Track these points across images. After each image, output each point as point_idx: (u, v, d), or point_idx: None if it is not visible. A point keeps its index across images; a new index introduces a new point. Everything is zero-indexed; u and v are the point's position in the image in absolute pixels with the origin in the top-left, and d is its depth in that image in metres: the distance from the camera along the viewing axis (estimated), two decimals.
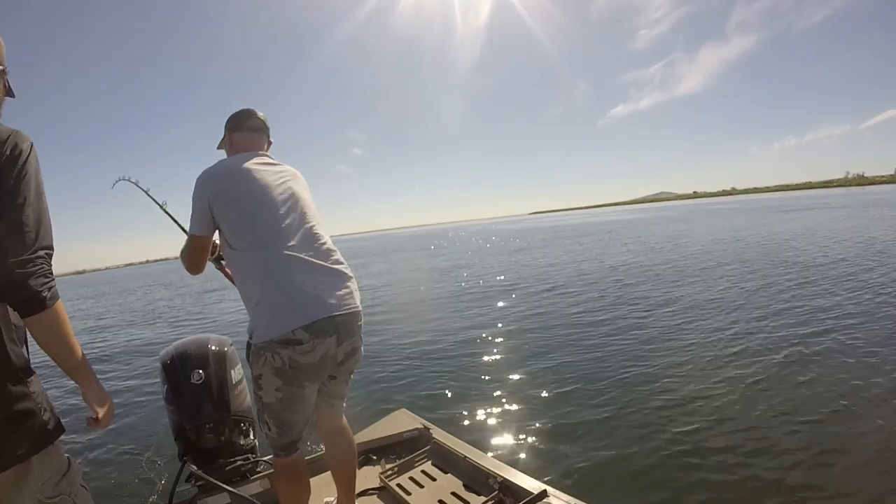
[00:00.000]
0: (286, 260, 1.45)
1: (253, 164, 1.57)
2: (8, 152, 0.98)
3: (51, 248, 1.01)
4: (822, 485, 2.21)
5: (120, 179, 2.24)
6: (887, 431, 2.62)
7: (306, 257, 1.47)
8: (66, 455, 1.10)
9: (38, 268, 0.97)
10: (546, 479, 1.79)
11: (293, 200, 1.56)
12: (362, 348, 1.61)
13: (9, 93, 1.12)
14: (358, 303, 1.54)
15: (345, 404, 1.74)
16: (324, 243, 1.55)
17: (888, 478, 2.23)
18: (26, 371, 1.01)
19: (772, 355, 3.84)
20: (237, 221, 1.50)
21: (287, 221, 1.51)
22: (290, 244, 1.48)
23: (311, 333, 1.40)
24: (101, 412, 1.08)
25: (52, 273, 1.01)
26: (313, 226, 1.56)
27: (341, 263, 1.56)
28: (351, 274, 1.58)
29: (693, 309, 5.44)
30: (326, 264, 1.50)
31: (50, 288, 0.98)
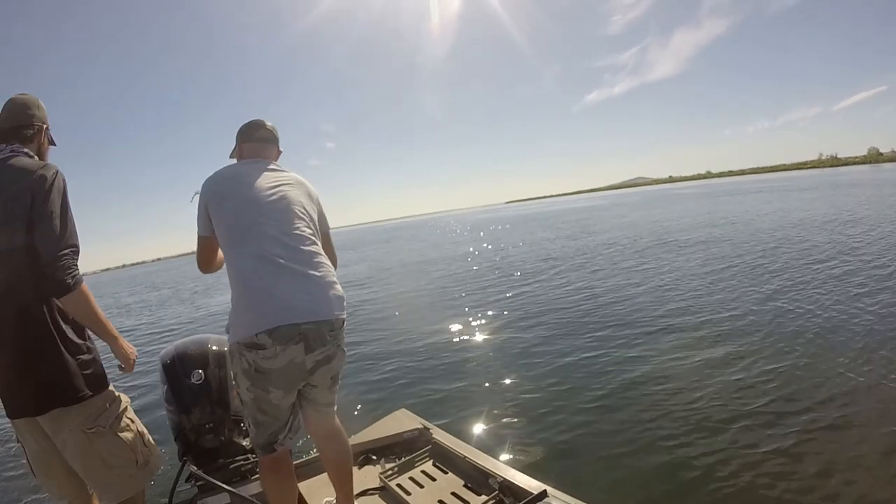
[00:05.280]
0: (258, 262, 1.46)
1: (249, 169, 1.64)
2: (39, 180, 1.36)
3: (75, 245, 1.38)
4: (826, 479, 2.21)
5: (197, 193, 2.26)
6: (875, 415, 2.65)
7: (281, 261, 1.46)
8: (115, 399, 1.55)
9: (63, 262, 1.33)
10: (546, 479, 1.79)
11: (281, 204, 1.57)
12: (342, 356, 1.59)
13: (51, 142, 1.62)
14: (335, 310, 1.51)
15: (335, 408, 1.72)
16: (305, 247, 1.53)
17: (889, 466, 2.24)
18: (83, 335, 1.47)
19: (774, 347, 3.83)
20: (222, 223, 1.56)
21: (268, 224, 1.51)
22: (265, 246, 1.48)
23: (273, 339, 1.40)
24: (125, 362, 1.54)
25: (75, 265, 1.36)
26: (297, 229, 1.55)
27: (322, 268, 1.54)
28: (332, 280, 1.55)
29: (688, 301, 5.42)
30: (302, 269, 1.48)
31: (73, 276, 1.34)
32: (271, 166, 1.68)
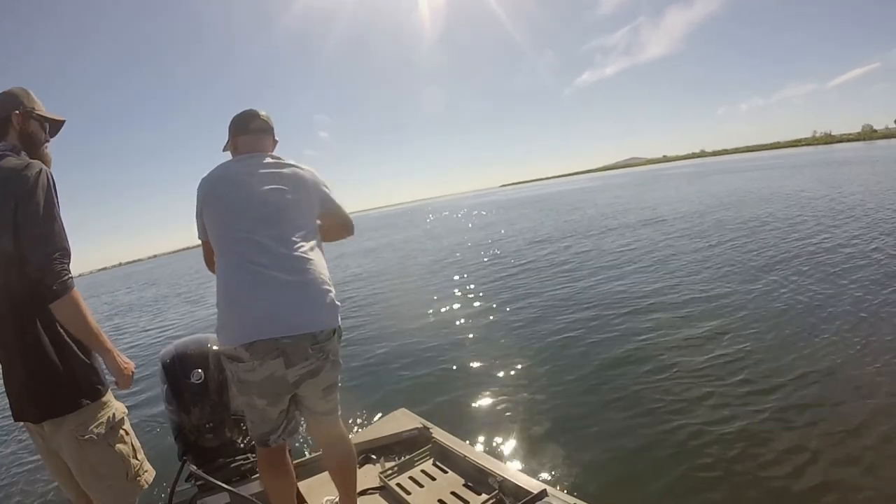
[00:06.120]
0: (241, 271, 1.42)
1: (242, 168, 1.56)
2: (21, 181, 1.28)
3: (64, 249, 1.30)
4: (834, 481, 2.20)
5: None
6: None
7: (266, 270, 1.40)
8: (112, 409, 1.46)
9: (52, 267, 1.26)
10: (546, 478, 1.79)
11: (274, 205, 1.49)
12: (331, 368, 1.50)
13: (53, 121, 1.53)
14: (320, 321, 1.43)
15: (338, 414, 1.67)
16: (295, 253, 1.45)
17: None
18: (80, 345, 1.38)
19: (776, 335, 3.86)
20: (212, 227, 1.52)
21: (257, 229, 1.45)
22: (251, 254, 1.42)
23: (251, 354, 1.37)
24: (119, 377, 1.43)
25: (65, 270, 1.29)
26: (289, 233, 1.47)
27: (311, 275, 1.45)
28: (321, 288, 1.46)
29: (687, 293, 5.42)
30: (288, 278, 1.41)
31: (62, 282, 1.27)
32: (267, 160, 1.58)
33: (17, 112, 1.44)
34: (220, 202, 1.51)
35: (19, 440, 4.21)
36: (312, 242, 1.53)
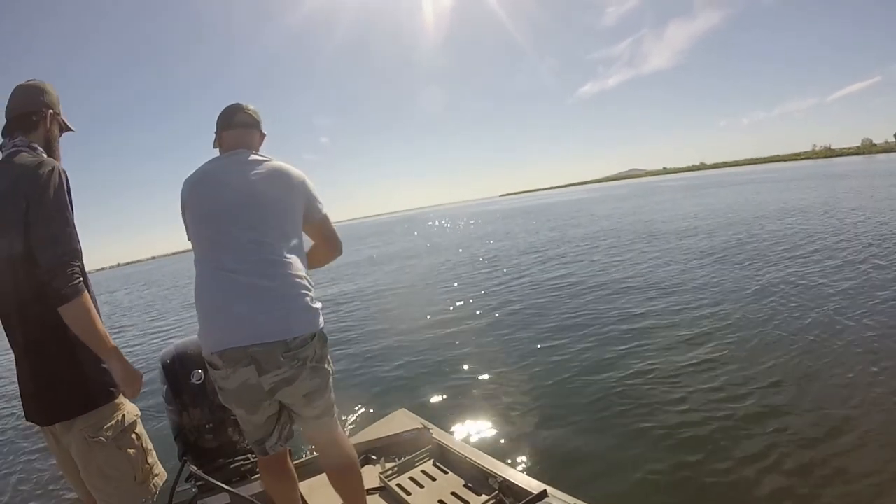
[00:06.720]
0: (215, 278, 1.40)
1: (224, 165, 1.53)
2: (34, 180, 1.25)
3: (75, 251, 1.26)
4: (831, 481, 2.21)
5: None
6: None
7: (238, 276, 1.36)
8: (124, 412, 1.42)
9: (62, 270, 1.22)
10: (546, 479, 1.79)
11: (252, 208, 1.43)
12: (309, 375, 1.42)
13: (65, 128, 1.50)
14: (293, 329, 1.37)
15: (333, 417, 1.57)
16: (270, 257, 1.40)
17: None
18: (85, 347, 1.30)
19: (767, 341, 3.88)
20: (190, 230, 1.51)
21: (233, 232, 1.41)
22: (225, 260, 1.39)
23: (224, 361, 1.37)
24: (126, 386, 1.35)
25: (76, 273, 1.24)
26: (264, 237, 1.41)
27: (287, 280, 1.40)
28: (297, 293, 1.41)
29: (683, 296, 5.44)
30: (262, 283, 1.37)
31: (73, 286, 1.22)
32: (251, 158, 1.51)
33: (52, 112, 1.43)
34: (199, 204, 1.48)
35: (35, 436, 4.21)
36: (292, 245, 1.47)
